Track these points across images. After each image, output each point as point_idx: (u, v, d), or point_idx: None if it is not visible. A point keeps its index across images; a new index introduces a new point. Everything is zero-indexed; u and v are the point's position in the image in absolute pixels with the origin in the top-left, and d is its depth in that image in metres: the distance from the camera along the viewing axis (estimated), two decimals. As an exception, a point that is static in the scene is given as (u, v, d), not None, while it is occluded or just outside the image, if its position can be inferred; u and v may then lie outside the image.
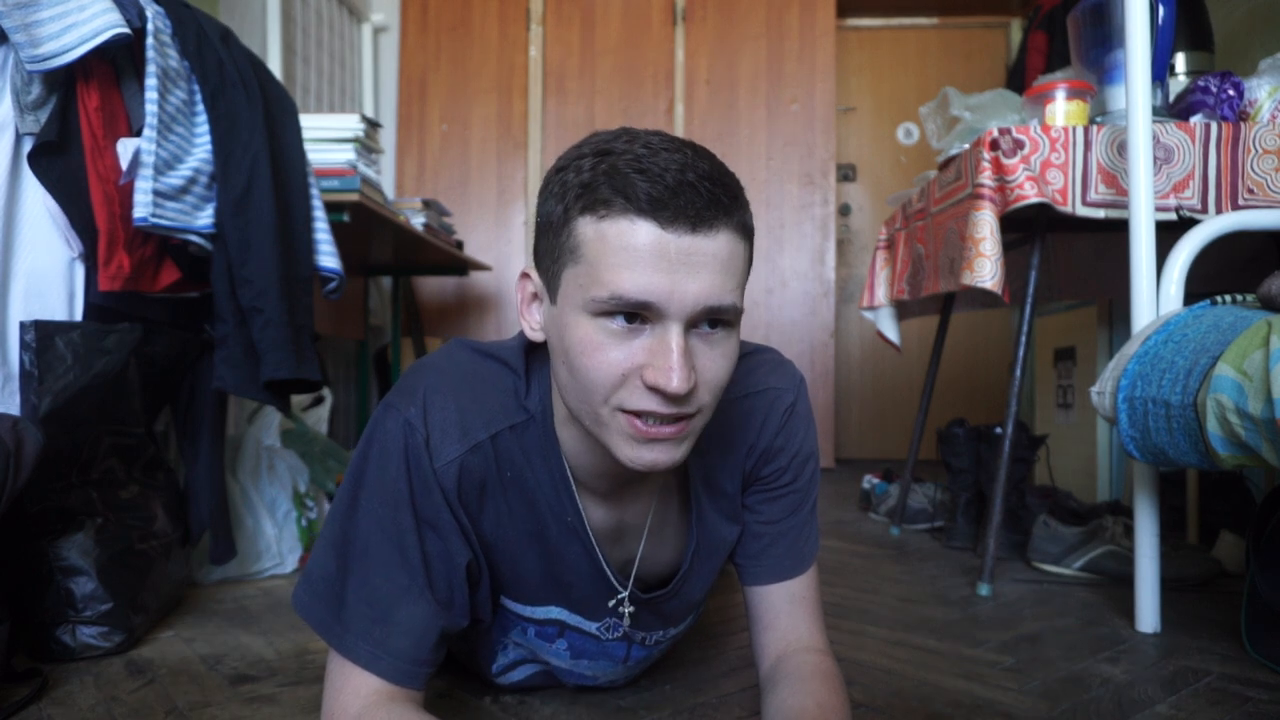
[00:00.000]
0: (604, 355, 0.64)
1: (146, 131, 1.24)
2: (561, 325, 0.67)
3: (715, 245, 0.63)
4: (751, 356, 0.86)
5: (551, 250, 0.67)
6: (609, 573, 0.83)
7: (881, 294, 2.15)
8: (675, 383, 0.62)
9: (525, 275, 0.73)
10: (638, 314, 0.63)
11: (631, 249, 0.61)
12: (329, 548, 0.74)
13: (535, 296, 0.72)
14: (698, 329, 0.65)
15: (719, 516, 0.86)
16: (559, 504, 0.78)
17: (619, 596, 0.85)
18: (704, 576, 0.90)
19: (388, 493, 0.72)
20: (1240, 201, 1.39)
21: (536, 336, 0.73)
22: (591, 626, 0.87)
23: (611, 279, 0.62)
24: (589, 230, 0.63)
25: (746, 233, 0.66)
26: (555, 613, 0.86)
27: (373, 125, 1.92)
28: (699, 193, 0.61)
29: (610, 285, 0.62)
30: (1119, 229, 1.41)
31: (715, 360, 0.66)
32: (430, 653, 0.74)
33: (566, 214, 0.65)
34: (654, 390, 0.63)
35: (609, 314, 0.63)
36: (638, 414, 0.65)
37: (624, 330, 0.63)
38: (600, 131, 0.68)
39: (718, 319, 0.65)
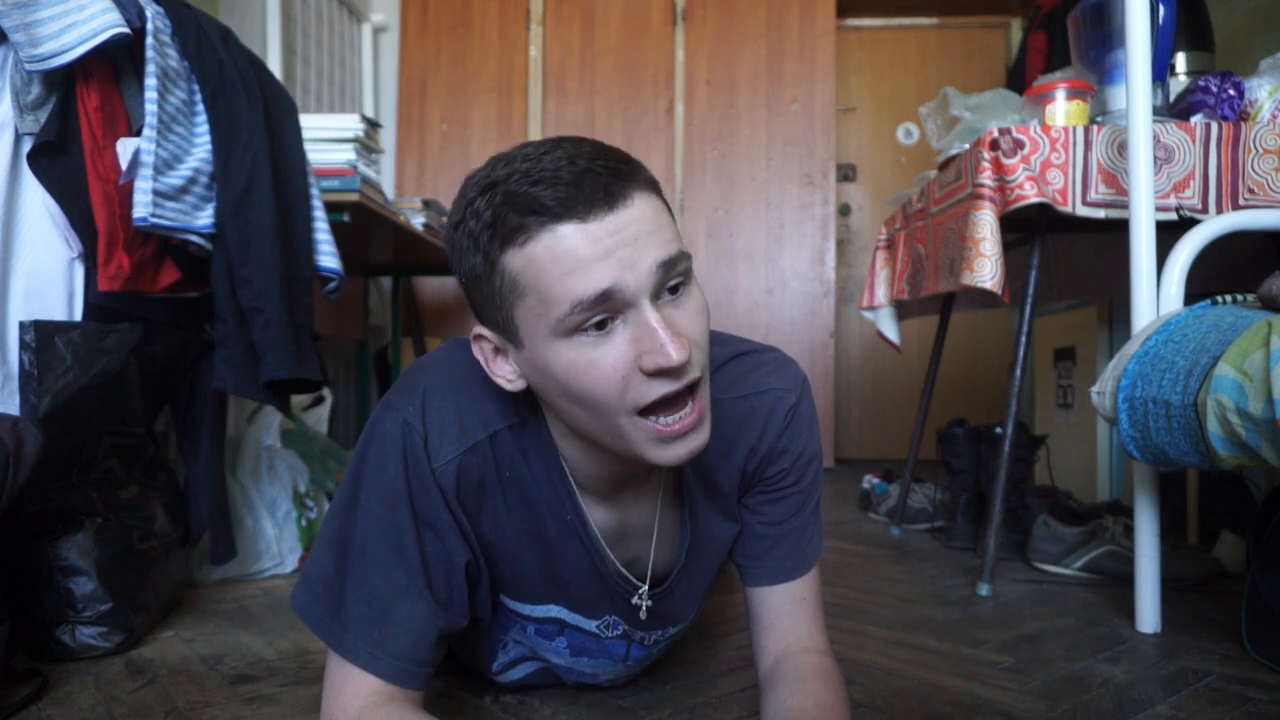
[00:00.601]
0: (596, 369, 0.63)
1: (146, 131, 1.24)
2: (540, 363, 0.65)
3: (638, 210, 0.62)
4: (752, 356, 0.85)
5: (492, 299, 0.66)
6: (609, 572, 0.83)
7: (881, 294, 2.15)
8: (674, 354, 0.61)
9: (479, 336, 0.71)
10: (604, 312, 0.62)
11: (567, 255, 0.60)
12: (327, 548, 0.74)
13: (497, 351, 0.71)
14: (661, 298, 0.64)
15: (714, 514, 0.85)
16: (558, 503, 0.78)
17: (639, 590, 0.85)
18: (701, 575, 0.90)
19: (386, 493, 0.72)
20: (1240, 201, 1.39)
21: (516, 386, 0.71)
22: (591, 625, 0.87)
23: (563, 291, 0.61)
24: (518, 261, 0.62)
25: (655, 186, 0.66)
26: (555, 611, 0.86)
27: (373, 125, 1.92)
28: (598, 174, 0.61)
29: (566, 297, 0.61)
30: (1119, 229, 1.41)
31: (691, 317, 0.66)
32: (429, 653, 0.74)
33: (488, 258, 0.64)
34: (658, 374, 0.63)
35: (579, 327, 0.62)
36: (654, 411, 0.65)
37: (601, 337, 0.63)
38: (472, 173, 0.67)
39: (675, 276, 0.64)
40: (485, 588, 0.81)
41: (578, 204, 0.60)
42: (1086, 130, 1.43)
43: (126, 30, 1.20)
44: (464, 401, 0.75)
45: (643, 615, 0.86)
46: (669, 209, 0.67)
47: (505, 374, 0.71)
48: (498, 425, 0.75)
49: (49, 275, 1.20)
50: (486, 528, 0.78)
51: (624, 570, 0.85)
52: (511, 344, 0.68)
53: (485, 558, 0.79)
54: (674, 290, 0.65)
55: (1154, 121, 1.32)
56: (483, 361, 0.72)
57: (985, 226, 1.45)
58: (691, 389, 0.66)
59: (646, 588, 0.85)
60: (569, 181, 0.60)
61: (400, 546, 0.72)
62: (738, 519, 0.87)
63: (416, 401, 0.73)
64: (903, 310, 2.21)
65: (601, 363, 0.63)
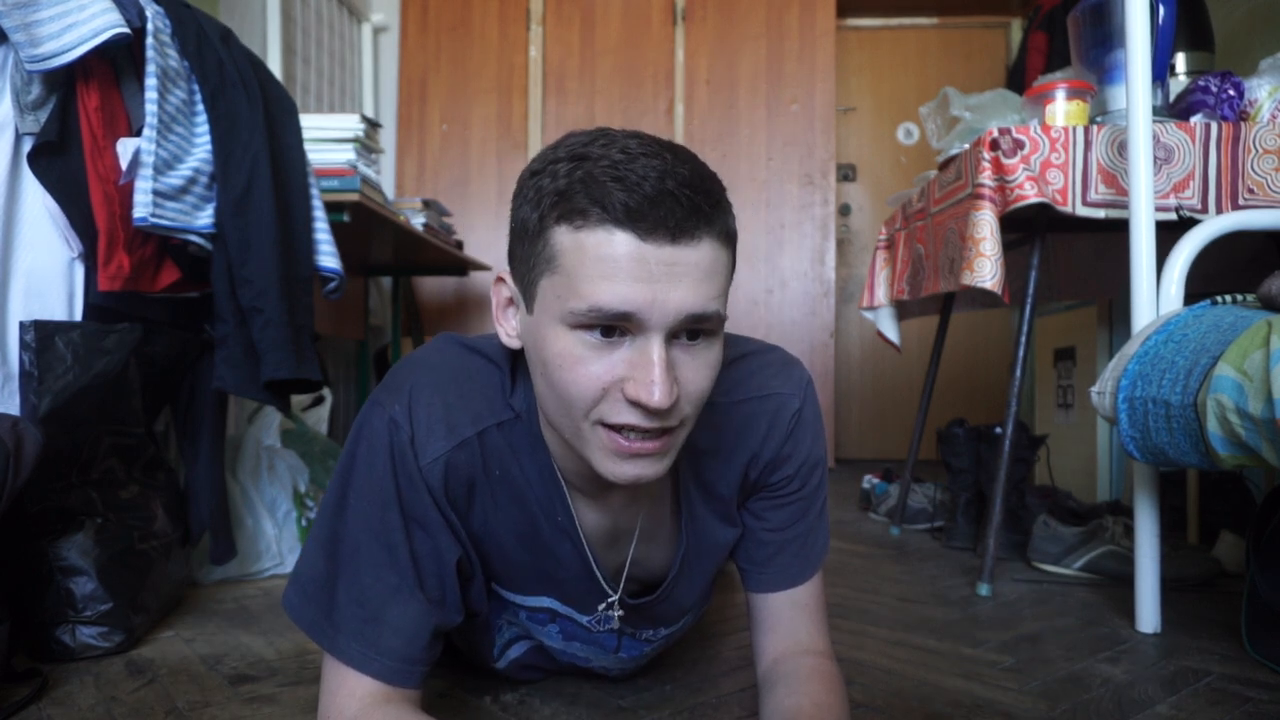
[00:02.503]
0: (583, 369, 0.62)
1: (146, 131, 1.24)
2: (539, 337, 0.65)
3: (697, 255, 0.61)
4: (756, 357, 0.84)
5: (527, 258, 0.65)
6: (599, 576, 0.82)
7: (881, 294, 2.15)
8: (657, 397, 0.60)
9: (500, 280, 0.71)
10: (617, 326, 0.62)
11: (610, 260, 0.60)
12: (318, 548, 0.74)
13: (511, 302, 0.70)
14: (679, 340, 0.63)
15: (713, 519, 0.85)
16: (549, 503, 0.78)
17: (609, 600, 0.84)
18: (697, 580, 0.89)
19: (375, 492, 0.72)
20: (1240, 201, 1.39)
21: (513, 344, 0.71)
22: (583, 619, 0.87)
23: (590, 290, 0.60)
24: (566, 240, 0.61)
25: (729, 239, 0.65)
26: (547, 602, 0.86)
27: (373, 125, 1.92)
28: (679, 201, 0.60)
29: (589, 297, 0.60)
30: (1119, 229, 1.41)
31: (697, 371, 0.65)
32: (424, 651, 0.73)
33: (542, 222, 0.63)
34: (635, 404, 0.62)
35: (587, 326, 0.62)
36: (618, 428, 0.64)
37: (603, 343, 0.62)
38: (576, 132, 0.66)
39: (699, 329, 0.64)
40: (479, 583, 0.81)
41: (645, 220, 0.59)
42: (1086, 130, 1.43)
43: (126, 30, 1.20)
44: (452, 398, 0.74)
45: (614, 625, 0.87)
46: (732, 265, 0.66)
47: (509, 327, 0.71)
48: (487, 422, 0.75)
49: (49, 275, 1.20)
50: (477, 525, 0.77)
51: (608, 575, 0.84)
52: (525, 304, 0.67)
53: (477, 553, 0.79)
54: (693, 336, 0.64)
55: (1154, 121, 1.32)
56: (495, 304, 0.72)
57: (985, 226, 1.45)
58: (661, 433, 0.65)
59: (617, 597, 0.84)
60: (648, 195, 0.59)
61: (390, 546, 0.72)
62: (738, 523, 0.87)
63: (404, 399, 0.73)
64: (903, 310, 2.21)
65: (590, 366, 0.62)
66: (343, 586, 0.72)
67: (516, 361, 0.77)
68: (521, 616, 0.88)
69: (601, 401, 0.63)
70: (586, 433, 0.66)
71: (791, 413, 0.82)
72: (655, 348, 0.61)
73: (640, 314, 0.60)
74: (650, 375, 0.61)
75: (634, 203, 0.59)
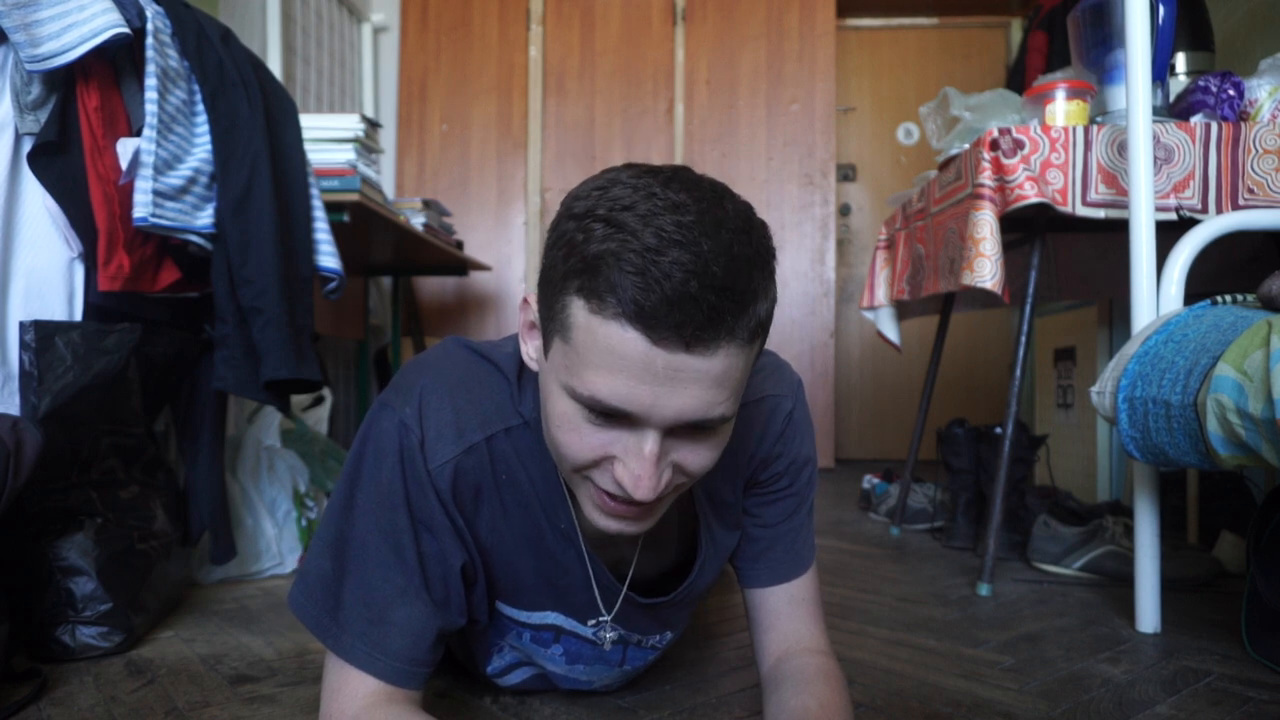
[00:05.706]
0: (578, 438, 0.62)
1: (146, 131, 1.24)
2: (546, 387, 0.65)
3: (708, 364, 0.57)
4: None
5: (549, 305, 0.62)
6: (595, 584, 0.82)
7: (881, 294, 2.15)
8: (640, 493, 0.60)
9: (527, 302, 0.69)
10: (616, 415, 0.60)
11: (617, 355, 0.57)
12: (325, 548, 0.74)
13: (534, 326, 0.69)
14: (682, 430, 0.62)
15: (723, 528, 0.86)
16: (553, 510, 0.78)
17: (600, 619, 0.85)
18: (707, 582, 0.90)
19: (383, 493, 0.72)
20: (1240, 201, 1.39)
21: (534, 366, 0.70)
22: (587, 631, 0.87)
23: (593, 379, 0.58)
24: (580, 317, 0.58)
25: (755, 334, 0.60)
26: (551, 618, 0.86)
27: (373, 125, 1.92)
28: (699, 308, 0.55)
29: (590, 385, 0.59)
30: (1119, 229, 1.41)
31: (698, 453, 0.64)
32: (427, 653, 0.73)
33: (565, 283, 0.59)
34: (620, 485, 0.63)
35: (587, 406, 0.61)
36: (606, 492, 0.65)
37: (601, 420, 0.61)
38: (627, 173, 0.60)
39: (698, 425, 0.61)
40: (481, 590, 0.81)
41: (659, 324, 0.55)
42: (1086, 130, 1.43)
43: (126, 30, 1.20)
44: (461, 402, 0.74)
45: (608, 645, 0.87)
46: (757, 354, 0.63)
47: (531, 350, 0.70)
48: (495, 428, 0.75)
49: (49, 275, 1.20)
50: (483, 530, 0.77)
51: (609, 576, 0.84)
52: (543, 342, 0.66)
53: (483, 562, 0.79)
54: (697, 429, 0.62)
55: (1154, 121, 1.32)
56: (521, 324, 0.71)
57: (985, 226, 1.45)
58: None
59: (609, 617, 0.85)
60: (667, 297, 0.55)
61: (398, 547, 0.72)
62: (740, 525, 0.88)
63: (414, 401, 0.73)
64: (903, 310, 2.21)
65: (585, 438, 0.62)
66: (349, 586, 0.72)
67: (524, 369, 0.77)
68: (525, 640, 0.88)
69: (593, 468, 0.64)
70: (577, 482, 0.67)
71: (785, 413, 0.84)
72: (649, 443, 0.60)
73: (638, 414, 0.59)
74: (638, 469, 0.61)
75: (650, 304, 0.55)
